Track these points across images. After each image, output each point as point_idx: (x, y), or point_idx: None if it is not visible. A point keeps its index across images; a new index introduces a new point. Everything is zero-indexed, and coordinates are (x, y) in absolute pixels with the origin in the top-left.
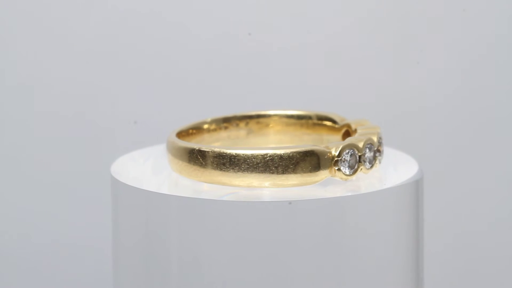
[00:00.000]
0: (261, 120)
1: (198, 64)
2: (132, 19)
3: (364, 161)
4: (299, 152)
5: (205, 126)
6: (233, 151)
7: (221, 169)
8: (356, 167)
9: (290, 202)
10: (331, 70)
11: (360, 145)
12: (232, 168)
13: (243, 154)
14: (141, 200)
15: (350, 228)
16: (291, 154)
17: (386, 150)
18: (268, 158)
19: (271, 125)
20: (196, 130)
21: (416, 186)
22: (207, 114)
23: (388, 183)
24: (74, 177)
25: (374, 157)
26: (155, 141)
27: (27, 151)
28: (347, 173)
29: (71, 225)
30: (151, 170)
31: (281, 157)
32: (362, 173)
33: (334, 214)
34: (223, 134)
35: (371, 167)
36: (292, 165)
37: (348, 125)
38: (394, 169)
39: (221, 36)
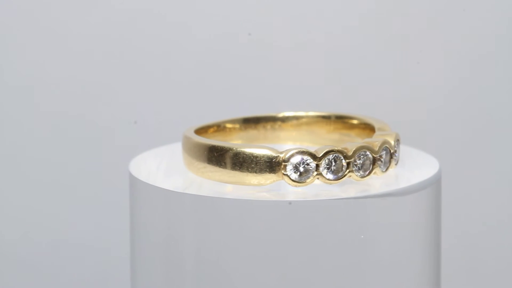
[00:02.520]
0: (284, 120)
1: (198, 64)
2: (132, 19)
3: (324, 170)
4: (244, 151)
5: (224, 126)
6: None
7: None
8: (309, 174)
9: (290, 202)
10: (331, 70)
11: (319, 153)
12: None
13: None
14: (162, 199)
15: (365, 229)
16: (237, 152)
17: (404, 148)
18: (218, 154)
19: (291, 125)
20: (214, 129)
21: (435, 187)
22: (207, 114)
23: (409, 183)
24: (74, 176)
25: (346, 169)
26: (156, 141)
27: (27, 151)
28: (295, 179)
29: (71, 225)
30: (171, 168)
31: (235, 153)
32: (321, 182)
33: (345, 214)
34: (242, 133)
35: (337, 179)
36: (238, 163)
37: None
38: (416, 169)
39: (221, 36)
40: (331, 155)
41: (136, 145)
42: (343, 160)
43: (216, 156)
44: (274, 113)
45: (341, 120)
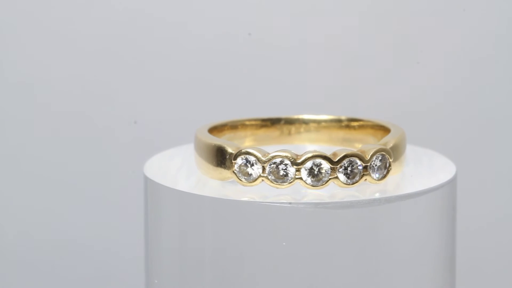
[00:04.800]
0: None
1: (198, 64)
2: (133, 18)
3: (269, 174)
4: (209, 143)
5: (241, 125)
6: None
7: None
8: (254, 175)
9: (290, 203)
10: (331, 70)
11: (266, 156)
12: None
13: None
14: (178, 201)
15: (378, 232)
16: (205, 143)
17: (419, 150)
18: (203, 147)
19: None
20: (230, 127)
21: (449, 189)
22: (208, 114)
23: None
24: (75, 176)
25: (294, 174)
26: (157, 141)
27: (28, 150)
28: (241, 178)
29: (72, 224)
30: (185, 169)
31: (205, 146)
32: (266, 184)
33: (356, 218)
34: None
35: (283, 183)
36: (204, 154)
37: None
38: (431, 170)
39: (221, 36)
40: (278, 159)
41: (136, 145)
42: (290, 166)
43: (203, 149)
44: (295, 115)
45: (361, 124)
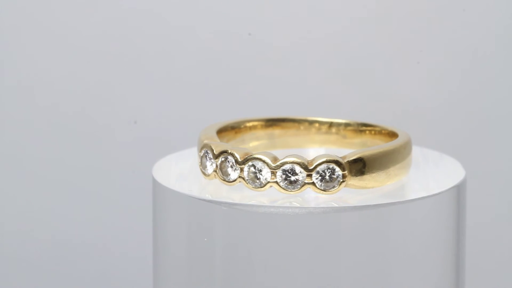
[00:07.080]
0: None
1: (198, 64)
2: (134, 18)
3: (219, 171)
4: (198, 138)
5: (246, 126)
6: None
7: None
8: (209, 170)
9: (290, 202)
10: (331, 70)
11: (217, 151)
12: None
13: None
14: (181, 204)
15: (384, 237)
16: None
17: (427, 151)
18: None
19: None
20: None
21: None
22: (208, 114)
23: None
24: (75, 175)
25: (238, 174)
26: (157, 141)
27: (28, 150)
28: (202, 170)
29: (71, 224)
30: (195, 172)
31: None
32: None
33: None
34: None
35: (227, 181)
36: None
37: None
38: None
39: (221, 36)
40: (226, 157)
41: (137, 145)
42: (234, 164)
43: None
44: (304, 117)
45: (371, 128)
